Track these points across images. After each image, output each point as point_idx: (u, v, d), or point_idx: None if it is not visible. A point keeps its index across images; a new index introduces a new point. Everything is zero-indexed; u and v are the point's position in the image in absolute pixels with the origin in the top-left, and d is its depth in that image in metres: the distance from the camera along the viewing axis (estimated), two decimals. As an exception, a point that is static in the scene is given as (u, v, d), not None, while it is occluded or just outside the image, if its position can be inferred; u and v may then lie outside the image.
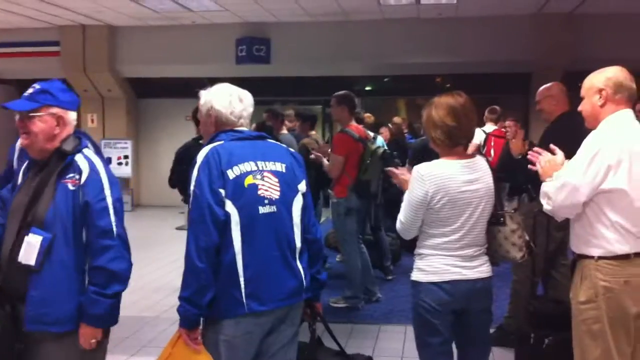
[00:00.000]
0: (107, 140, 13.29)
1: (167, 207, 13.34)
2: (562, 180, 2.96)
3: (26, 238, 2.64)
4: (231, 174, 2.71)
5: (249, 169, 2.76)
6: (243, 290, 2.68)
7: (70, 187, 2.67)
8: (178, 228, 11.13)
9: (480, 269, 3.09)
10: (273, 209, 2.78)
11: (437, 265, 3.05)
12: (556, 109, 4.77)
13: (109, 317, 2.75)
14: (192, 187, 2.70)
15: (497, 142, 7.80)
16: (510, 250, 3.15)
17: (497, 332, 4.98)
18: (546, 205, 3.04)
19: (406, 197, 3.09)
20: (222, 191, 2.66)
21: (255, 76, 12.14)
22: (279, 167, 2.86)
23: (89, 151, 2.79)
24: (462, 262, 3.04)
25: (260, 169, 2.79)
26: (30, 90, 2.75)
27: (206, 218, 2.63)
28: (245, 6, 11.01)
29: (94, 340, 2.74)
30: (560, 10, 10.94)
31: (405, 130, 10.53)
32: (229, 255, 2.67)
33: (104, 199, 2.68)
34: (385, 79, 13.71)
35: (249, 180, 2.73)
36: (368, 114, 8.50)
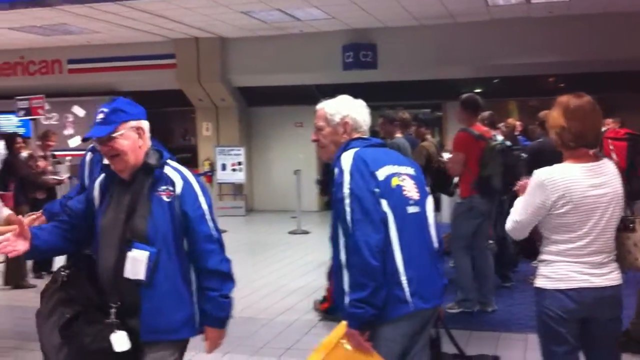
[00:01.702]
0: (221, 148, 13.76)
1: (280, 212, 13.66)
2: None
3: (129, 254, 2.68)
4: (380, 175, 2.78)
5: (391, 171, 2.83)
6: (406, 289, 2.71)
7: (165, 198, 2.72)
8: (290, 232, 11.36)
9: (610, 277, 2.98)
10: (417, 209, 2.85)
11: (563, 271, 2.97)
12: None
13: (230, 316, 2.85)
14: (346, 191, 2.73)
15: (617, 145, 7.42)
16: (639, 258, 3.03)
17: (624, 337, 4.77)
18: None
19: (524, 199, 3.03)
20: (377, 190, 2.73)
21: (362, 82, 12.22)
22: (410, 170, 2.94)
23: (173, 162, 2.85)
24: (590, 269, 2.95)
25: (398, 172, 2.86)
26: (100, 116, 2.75)
27: (373, 216, 2.68)
28: (352, 13, 11.12)
29: (220, 341, 2.85)
30: (683, 2, 10.33)
31: (517, 132, 10.25)
32: (388, 254, 2.71)
33: (200, 206, 2.75)
34: (495, 81, 13.42)
35: (395, 182, 2.81)
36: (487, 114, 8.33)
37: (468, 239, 6.19)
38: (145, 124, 2.82)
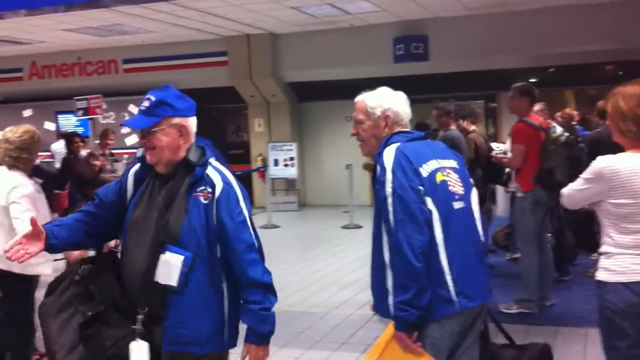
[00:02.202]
0: (273, 143, 13.86)
1: (332, 207, 13.69)
2: None
3: (162, 257, 2.51)
4: (424, 171, 2.70)
5: (435, 166, 2.75)
6: (452, 289, 2.64)
7: (203, 200, 2.55)
8: (343, 227, 11.37)
9: None
10: (462, 204, 2.77)
11: (626, 264, 2.88)
12: None
13: (273, 331, 2.62)
14: (388, 190, 2.66)
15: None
16: None
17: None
18: None
19: (584, 181, 2.99)
20: (421, 188, 2.65)
21: (413, 74, 12.12)
22: (454, 163, 2.86)
23: (215, 162, 2.67)
24: None
25: (442, 166, 2.78)
26: (146, 104, 2.58)
27: (417, 216, 2.59)
28: (402, 4, 11.02)
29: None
30: None
31: (574, 122, 10.01)
32: (432, 253, 2.63)
33: (242, 212, 2.57)
34: (550, 70, 13.13)
35: (439, 177, 2.73)
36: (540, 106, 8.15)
37: (535, 235, 5.93)
38: (190, 122, 2.65)
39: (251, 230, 2.59)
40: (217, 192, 2.55)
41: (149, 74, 14.20)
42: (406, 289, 2.58)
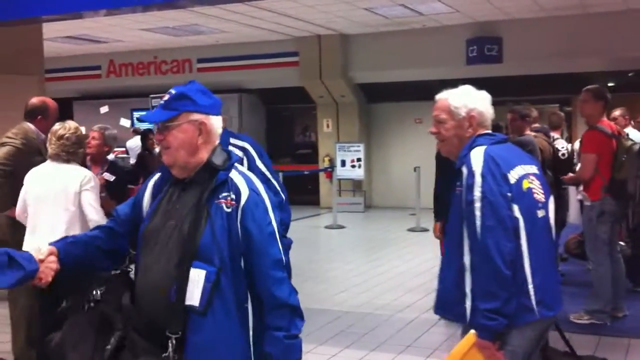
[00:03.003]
0: (341, 144, 13.89)
1: (397, 209, 13.61)
2: None
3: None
4: (511, 177, 2.63)
5: (522, 173, 2.68)
6: (533, 297, 2.60)
7: (226, 208, 2.23)
8: (409, 229, 11.29)
9: None
10: (544, 212, 2.71)
11: None
12: None
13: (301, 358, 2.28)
14: (477, 194, 2.59)
15: None
16: None
17: None
18: None
19: None
20: (509, 195, 2.59)
21: (486, 76, 11.90)
22: (535, 169, 2.78)
23: (241, 167, 2.43)
24: None
25: (527, 172, 2.71)
26: (166, 97, 2.31)
27: (506, 224, 2.54)
28: (477, 6, 10.86)
29: None
30: None
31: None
32: (518, 262, 2.58)
33: (270, 222, 2.26)
34: (630, 74, 12.67)
35: (525, 184, 2.66)
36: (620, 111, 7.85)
37: (606, 244, 5.71)
38: (212, 121, 2.31)
39: (279, 244, 2.27)
40: (243, 200, 2.24)
41: (222, 73, 14.46)
42: (495, 297, 2.52)
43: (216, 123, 2.33)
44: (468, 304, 2.63)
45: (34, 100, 4.84)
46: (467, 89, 2.86)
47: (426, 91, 12.90)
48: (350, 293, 7.10)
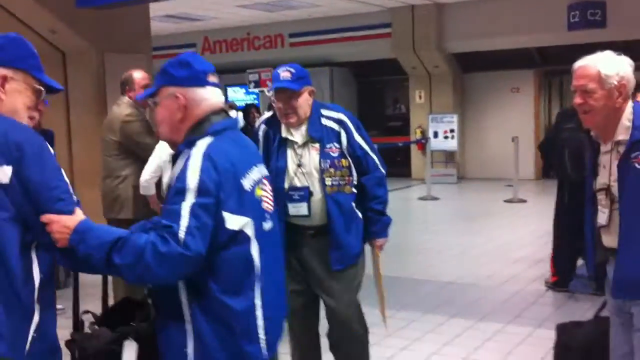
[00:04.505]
0: (434, 115, 13.75)
1: (492, 180, 13.38)
2: None
3: None
4: None
5: None
6: None
7: None
8: (506, 201, 11.09)
9: None
10: None
11: None
12: None
13: None
14: None
15: None
16: None
17: None
18: None
19: None
20: None
21: (589, 42, 11.44)
22: None
23: (205, 140, 2.07)
24: None
25: None
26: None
27: None
28: (579, -31, 10.45)
29: None
30: None
31: None
32: None
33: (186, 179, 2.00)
34: None
35: None
36: None
37: None
38: (192, 94, 2.12)
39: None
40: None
41: (314, 47, 14.55)
42: None
43: (199, 95, 2.13)
44: None
45: (124, 74, 5.00)
46: (614, 56, 2.66)
47: (525, 59, 12.56)
48: (450, 264, 7.08)
